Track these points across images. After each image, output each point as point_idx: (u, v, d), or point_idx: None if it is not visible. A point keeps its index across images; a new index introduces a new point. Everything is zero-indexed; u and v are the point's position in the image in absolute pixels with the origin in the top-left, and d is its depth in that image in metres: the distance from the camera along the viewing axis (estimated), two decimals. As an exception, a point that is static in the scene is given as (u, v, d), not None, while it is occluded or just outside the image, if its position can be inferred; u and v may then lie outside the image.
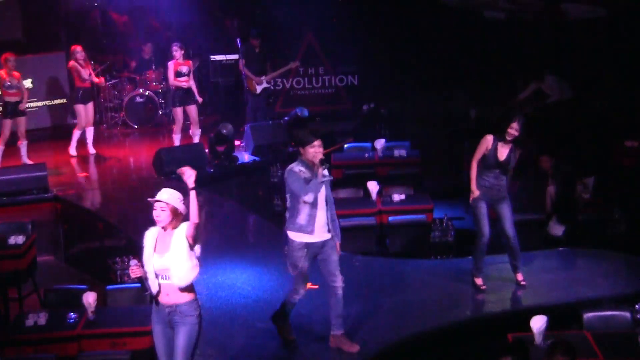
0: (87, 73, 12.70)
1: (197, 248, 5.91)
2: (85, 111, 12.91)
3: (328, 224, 6.99)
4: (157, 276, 5.87)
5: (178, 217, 5.86)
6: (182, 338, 5.87)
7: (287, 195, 6.98)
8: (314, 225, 6.90)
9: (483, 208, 8.17)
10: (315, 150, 6.82)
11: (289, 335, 7.28)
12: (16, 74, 12.14)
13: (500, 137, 7.99)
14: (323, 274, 7.09)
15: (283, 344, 7.27)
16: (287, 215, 7.01)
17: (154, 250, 5.88)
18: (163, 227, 5.87)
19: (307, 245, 6.95)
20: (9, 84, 12.06)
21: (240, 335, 7.42)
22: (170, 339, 5.96)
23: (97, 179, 12.27)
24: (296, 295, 7.13)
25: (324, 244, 6.99)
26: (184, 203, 5.88)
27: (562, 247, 9.69)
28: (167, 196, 5.82)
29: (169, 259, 5.81)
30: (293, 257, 6.98)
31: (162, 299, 5.90)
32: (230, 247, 9.68)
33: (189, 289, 5.90)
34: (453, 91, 15.00)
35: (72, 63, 12.72)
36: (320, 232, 6.95)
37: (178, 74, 12.61)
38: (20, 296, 9.10)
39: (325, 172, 6.84)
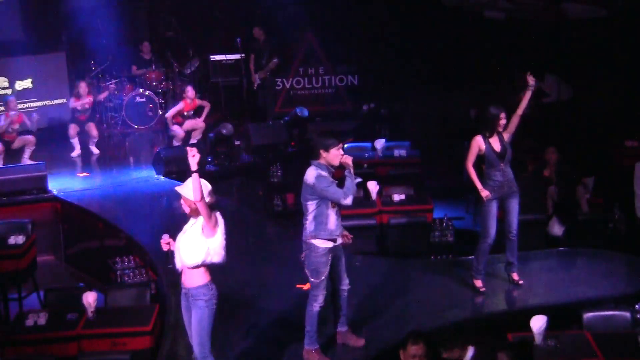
0: (87, 105, 13.25)
1: (218, 239, 6.06)
2: (86, 129, 13.31)
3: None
4: None
5: (195, 209, 6.05)
6: (193, 319, 6.20)
7: (309, 203, 6.69)
8: (341, 228, 6.84)
9: (494, 208, 8.17)
10: (340, 152, 6.70)
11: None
12: None
13: (487, 133, 8.12)
14: (331, 276, 6.95)
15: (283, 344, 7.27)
16: (312, 224, 6.71)
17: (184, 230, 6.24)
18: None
19: (331, 249, 6.80)
20: None
21: (240, 335, 7.41)
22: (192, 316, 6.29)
23: (97, 179, 12.27)
24: (316, 304, 6.85)
25: (339, 245, 6.94)
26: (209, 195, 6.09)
27: (562, 247, 9.69)
28: (179, 188, 6.14)
29: (182, 240, 6.13)
30: (317, 263, 6.76)
31: (182, 279, 6.23)
32: (230, 247, 9.68)
33: (199, 275, 6.12)
34: (453, 91, 14.97)
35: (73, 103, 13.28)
36: (341, 234, 6.91)
37: (181, 115, 13.06)
38: (20, 296, 9.12)
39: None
